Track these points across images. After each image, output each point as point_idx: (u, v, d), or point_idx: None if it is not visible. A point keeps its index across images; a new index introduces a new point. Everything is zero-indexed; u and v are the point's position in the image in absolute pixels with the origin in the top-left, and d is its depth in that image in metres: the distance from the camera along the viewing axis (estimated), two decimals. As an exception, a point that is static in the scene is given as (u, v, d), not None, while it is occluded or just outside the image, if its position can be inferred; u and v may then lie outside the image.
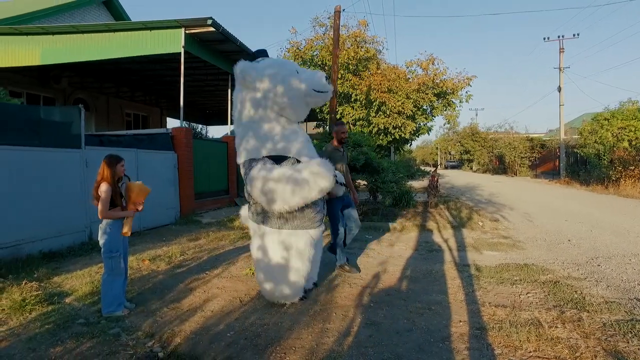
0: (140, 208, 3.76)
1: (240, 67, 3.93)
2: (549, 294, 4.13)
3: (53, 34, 10.53)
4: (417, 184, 14.66)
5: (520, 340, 3.07)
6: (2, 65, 10.99)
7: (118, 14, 17.04)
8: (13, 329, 3.33)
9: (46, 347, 3.00)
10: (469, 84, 15.55)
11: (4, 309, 3.68)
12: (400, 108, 14.56)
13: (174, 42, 9.63)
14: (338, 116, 15.07)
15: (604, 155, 17.36)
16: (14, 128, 5.61)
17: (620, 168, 16.02)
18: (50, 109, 7.44)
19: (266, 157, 3.86)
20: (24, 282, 4.23)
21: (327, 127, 11.51)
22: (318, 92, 3.92)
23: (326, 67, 14.97)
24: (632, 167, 15.48)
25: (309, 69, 4.07)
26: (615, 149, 16.74)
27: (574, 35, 24.88)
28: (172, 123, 22.96)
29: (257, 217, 3.92)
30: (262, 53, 4.26)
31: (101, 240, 3.61)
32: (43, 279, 4.59)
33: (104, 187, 3.53)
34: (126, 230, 3.66)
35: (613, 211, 10.47)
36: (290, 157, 3.87)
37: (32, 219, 5.64)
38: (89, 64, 11.19)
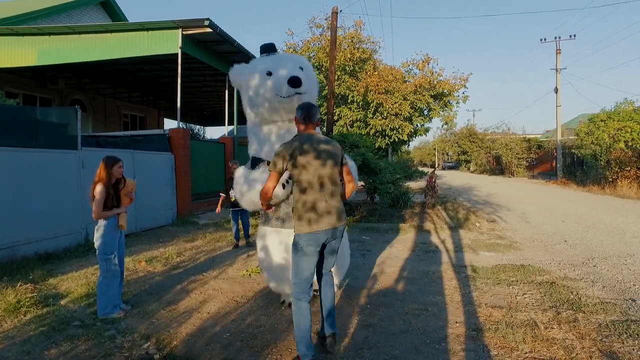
0: (132, 197, 3.86)
1: (233, 69, 4.03)
2: (545, 295, 4.14)
3: (49, 34, 10.49)
4: (414, 184, 14.68)
5: (516, 341, 3.07)
6: (-2, 66, 10.95)
7: (115, 14, 17.00)
8: (7, 331, 3.31)
9: (41, 350, 2.98)
10: (464, 85, 15.61)
11: (-2, 311, 3.66)
12: (397, 110, 14.59)
13: (171, 43, 9.62)
14: (335, 118, 15.08)
15: (601, 156, 17.42)
16: (10, 129, 5.59)
17: (616, 169, 16.08)
18: (46, 110, 7.42)
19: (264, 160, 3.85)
20: (18, 284, 4.21)
21: (325, 129, 11.53)
22: (282, 97, 3.61)
23: (323, 69, 14.99)
24: (629, 168, 15.54)
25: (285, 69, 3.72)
26: (611, 149, 16.81)
27: (570, 36, 25.05)
28: (169, 124, 22.96)
29: (260, 218, 4.05)
30: (268, 48, 3.98)
31: (96, 242, 3.61)
32: (38, 281, 4.57)
33: (98, 188, 3.52)
34: (122, 223, 3.69)
35: (609, 212, 10.50)
36: (264, 160, 3.81)
37: (28, 220, 5.61)
38: (86, 64, 11.16)
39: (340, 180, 2.91)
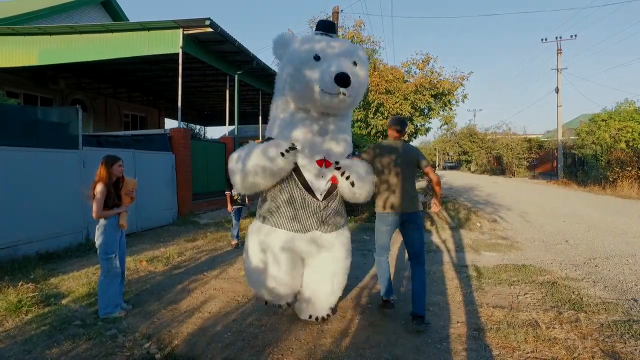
0: (133, 196, 3.85)
1: (279, 39, 3.43)
2: (546, 295, 4.14)
3: (50, 34, 10.50)
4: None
5: (518, 341, 3.06)
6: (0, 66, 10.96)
7: (116, 14, 17.00)
8: (9, 330, 3.31)
9: (42, 349, 2.98)
10: (462, 84, 15.57)
11: (-1, 311, 3.67)
12: (398, 110, 14.57)
13: (172, 43, 9.62)
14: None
15: (602, 156, 17.40)
16: (11, 129, 5.59)
17: (617, 169, 16.06)
18: (47, 109, 7.42)
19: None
20: (20, 284, 4.21)
21: None
22: (325, 92, 3.06)
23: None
24: (630, 168, 15.53)
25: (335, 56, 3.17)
26: (612, 149, 16.79)
27: (571, 36, 25.04)
28: (170, 124, 22.96)
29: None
30: (326, 27, 3.49)
31: (97, 241, 3.61)
32: (39, 280, 4.57)
33: (99, 188, 3.52)
34: (122, 222, 3.69)
35: (610, 212, 10.49)
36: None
37: (29, 219, 5.61)
38: (86, 64, 11.16)
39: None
